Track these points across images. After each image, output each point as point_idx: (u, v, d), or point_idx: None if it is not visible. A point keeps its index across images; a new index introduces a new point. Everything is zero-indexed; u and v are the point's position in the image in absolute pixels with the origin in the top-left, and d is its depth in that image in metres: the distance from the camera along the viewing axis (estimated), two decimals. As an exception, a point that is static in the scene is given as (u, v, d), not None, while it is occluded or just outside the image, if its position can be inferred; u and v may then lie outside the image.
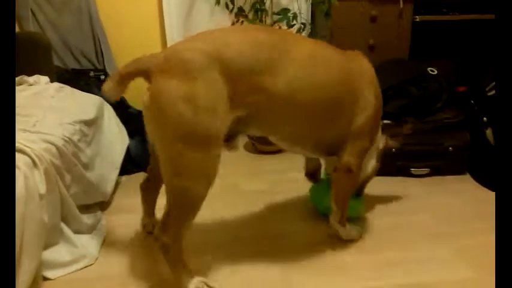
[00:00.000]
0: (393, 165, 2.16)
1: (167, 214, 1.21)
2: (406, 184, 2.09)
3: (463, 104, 2.27)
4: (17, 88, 1.95)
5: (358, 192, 1.71)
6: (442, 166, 2.16)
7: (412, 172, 2.16)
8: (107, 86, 1.21)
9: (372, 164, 1.64)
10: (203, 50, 1.14)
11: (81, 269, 1.43)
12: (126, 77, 1.20)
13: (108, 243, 1.59)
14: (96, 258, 1.49)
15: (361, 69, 1.45)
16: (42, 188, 1.30)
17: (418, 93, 2.17)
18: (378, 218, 1.76)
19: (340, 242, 1.58)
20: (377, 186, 2.07)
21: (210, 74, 1.13)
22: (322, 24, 2.67)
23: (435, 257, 1.49)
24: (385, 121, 2.16)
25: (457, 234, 1.62)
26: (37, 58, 2.21)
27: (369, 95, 1.42)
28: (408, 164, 2.16)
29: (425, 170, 2.16)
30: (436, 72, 2.27)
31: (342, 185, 1.49)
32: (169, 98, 1.10)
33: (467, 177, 2.15)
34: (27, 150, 1.31)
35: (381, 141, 1.67)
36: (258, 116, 1.26)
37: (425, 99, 2.17)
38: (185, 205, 1.21)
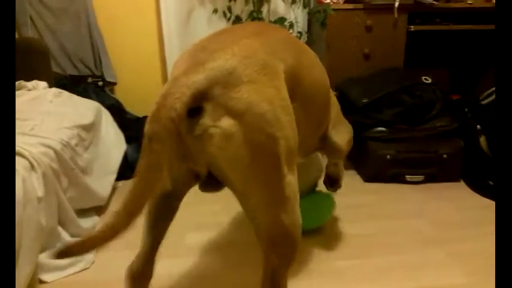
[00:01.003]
0: (388, 172, 2.18)
1: (273, 268, 0.97)
2: (400, 191, 2.11)
3: (457, 112, 2.30)
4: (16, 93, 1.97)
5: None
6: (437, 173, 2.18)
7: (407, 179, 2.19)
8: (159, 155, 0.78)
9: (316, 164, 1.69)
10: (266, 49, 0.92)
11: (78, 272, 1.43)
12: (182, 118, 0.79)
13: (104, 247, 1.59)
14: (93, 262, 1.49)
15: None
16: (40, 191, 1.31)
17: (412, 101, 2.20)
18: (372, 223, 1.78)
19: (334, 247, 1.59)
20: (372, 192, 2.09)
21: (281, 77, 0.93)
22: (319, 34, 2.71)
23: (429, 261, 1.50)
24: (380, 128, 2.19)
25: (451, 239, 1.64)
26: (35, 64, 2.22)
27: (329, 87, 1.40)
28: (403, 171, 2.18)
29: (420, 177, 2.19)
30: (430, 80, 2.31)
31: (343, 156, 1.57)
32: (267, 112, 0.84)
33: (461, 184, 2.17)
34: (26, 153, 1.32)
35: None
36: None
37: (419, 107, 2.20)
38: (291, 243, 0.96)
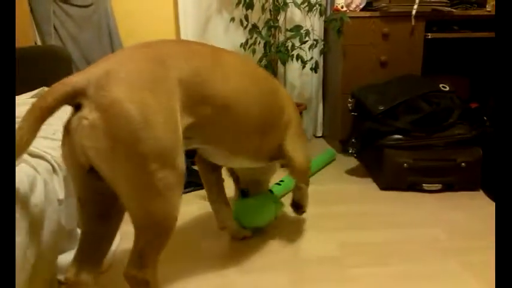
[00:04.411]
0: (405, 180, 2.16)
1: (140, 248, 1.06)
2: (417, 199, 2.09)
3: (475, 120, 2.27)
4: (39, 99, 2.03)
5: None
6: (455, 182, 2.15)
7: (424, 188, 2.16)
8: (21, 132, 0.88)
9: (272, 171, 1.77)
10: (152, 58, 1.03)
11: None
12: (51, 109, 0.92)
13: (121, 250, 1.62)
14: (110, 264, 1.51)
15: (277, 84, 1.53)
16: (61, 194, 1.34)
17: (430, 108, 2.18)
18: (387, 231, 1.76)
19: (348, 254, 1.58)
20: (388, 201, 2.08)
21: (165, 83, 1.02)
22: (335, 41, 2.72)
23: (445, 271, 1.48)
24: (396, 136, 2.18)
25: (467, 249, 1.61)
26: (58, 70, 2.29)
27: (289, 107, 1.53)
28: (420, 180, 2.16)
29: (438, 186, 2.16)
30: (448, 88, 2.29)
31: (302, 177, 1.66)
32: (132, 111, 0.93)
33: (480, 194, 2.13)
34: (48, 156, 1.36)
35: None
36: (204, 126, 1.19)
37: (436, 114, 2.18)
38: (161, 232, 1.06)
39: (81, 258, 1.13)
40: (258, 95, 1.33)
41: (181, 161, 1.05)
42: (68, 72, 2.39)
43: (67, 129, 0.99)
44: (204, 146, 1.31)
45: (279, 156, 1.54)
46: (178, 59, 1.09)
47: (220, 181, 1.66)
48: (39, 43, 2.75)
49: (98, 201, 1.10)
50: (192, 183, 2.17)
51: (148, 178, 0.98)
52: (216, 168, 1.64)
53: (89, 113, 0.93)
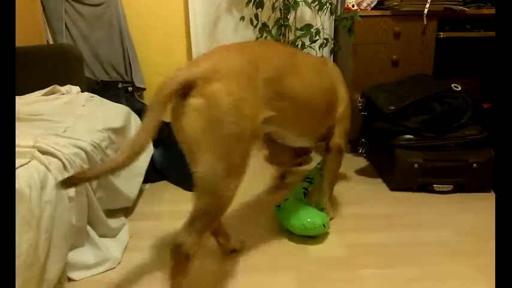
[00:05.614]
0: (415, 181, 2.14)
1: (193, 216, 1.21)
2: (428, 200, 2.06)
3: (487, 120, 2.24)
4: (50, 97, 2.05)
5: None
6: (466, 183, 2.12)
7: (435, 188, 2.13)
8: (152, 113, 1.13)
9: None
10: (247, 60, 1.27)
11: (104, 271, 1.47)
12: (172, 95, 1.16)
13: (130, 248, 1.63)
14: (119, 262, 1.52)
15: (334, 70, 1.78)
16: (71, 191, 1.35)
17: (441, 108, 2.16)
18: (398, 232, 1.75)
19: (359, 255, 1.57)
20: (398, 201, 2.06)
21: (254, 82, 1.26)
22: (345, 40, 2.70)
23: (455, 273, 1.46)
24: (407, 136, 2.15)
25: (478, 251, 1.59)
26: (69, 69, 2.31)
27: (342, 91, 1.77)
28: (431, 180, 2.14)
29: (449, 187, 2.13)
30: (460, 88, 2.26)
31: (334, 163, 1.82)
32: (226, 101, 1.17)
33: (492, 195, 2.10)
34: (59, 154, 1.37)
35: None
36: (279, 116, 1.40)
37: (448, 115, 2.15)
38: (219, 207, 1.24)
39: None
40: (320, 87, 1.58)
41: (249, 152, 1.26)
42: (80, 70, 2.41)
43: (174, 112, 1.21)
44: (277, 129, 1.53)
45: (326, 136, 1.77)
46: (266, 60, 1.33)
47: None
48: (51, 41, 2.78)
49: None
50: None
51: (223, 155, 1.18)
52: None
53: (196, 100, 1.16)
